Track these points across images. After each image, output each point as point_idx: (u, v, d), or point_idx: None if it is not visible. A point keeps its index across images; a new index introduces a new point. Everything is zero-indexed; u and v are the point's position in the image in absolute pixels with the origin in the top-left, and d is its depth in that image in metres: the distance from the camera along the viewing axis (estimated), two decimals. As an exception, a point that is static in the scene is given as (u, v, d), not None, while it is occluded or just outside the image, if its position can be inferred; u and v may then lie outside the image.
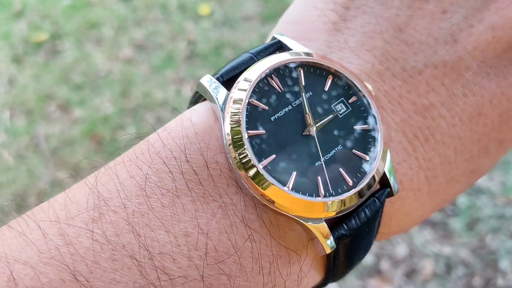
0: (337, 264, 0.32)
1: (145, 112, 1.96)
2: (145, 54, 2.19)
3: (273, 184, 0.27)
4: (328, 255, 0.31)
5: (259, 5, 2.29)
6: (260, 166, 0.28)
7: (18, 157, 1.90)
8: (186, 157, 0.28)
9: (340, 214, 0.29)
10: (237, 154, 0.28)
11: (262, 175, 0.27)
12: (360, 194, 0.29)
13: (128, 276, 0.25)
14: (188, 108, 0.32)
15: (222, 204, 0.28)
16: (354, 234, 0.30)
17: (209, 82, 0.30)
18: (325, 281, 0.33)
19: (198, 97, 0.33)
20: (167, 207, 0.27)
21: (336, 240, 0.29)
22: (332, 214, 0.29)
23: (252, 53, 0.32)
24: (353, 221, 0.30)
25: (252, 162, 0.27)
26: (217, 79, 0.30)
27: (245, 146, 0.28)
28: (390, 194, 0.31)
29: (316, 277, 0.32)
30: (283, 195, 0.28)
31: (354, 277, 1.40)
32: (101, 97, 2.05)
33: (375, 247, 1.45)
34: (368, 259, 1.43)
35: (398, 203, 0.32)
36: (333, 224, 0.30)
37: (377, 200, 0.30)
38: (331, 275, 0.32)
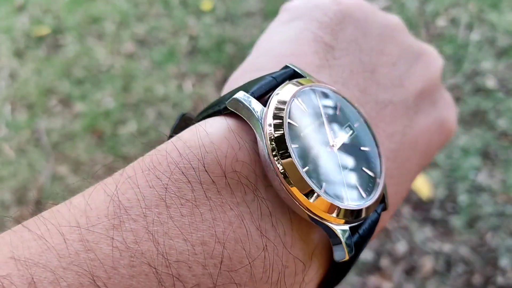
0: (334, 276, 0.33)
1: (146, 107, 1.96)
2: (147, 49, 2.19)
3: (314, 189, 0.29)
4: (329, 267, 0.33)
5: (261, 1, 2.29)
6: (305, 175, 0.29)
7: (19, 151, 1.90)
8: (204, 167, 0.29)
9: (357, 223, 0.32)
10: (282, 166, 0.29)
11: (306, 181, 0.29)
12: (372, 207, 0.32)
13: (144, 283, 0.26)
14: (170, 137, 0.33)
15: (239, 213, 0.29)
16: (361, 243, 0.32)
17: (243, 97, 0.32)
18: None
19: (182, 122, 0.36)
20: (186, 216, 0.28)
21: (354, 246, 0.31)
22: (354, 222, 0.31)
23: (273, 77, 0.34)
24: (362, 231, 0.32)
25: (299, 170, 0.29)
26: (251, 94, 0.32)
27: (291, 155, 0.29)
28: (384, 208, 0.34)
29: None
30: (321, 201, 0.30)
31: (354, 273, 1.40)
32: (103, 92, 2.05)
33: (375, 244, 1.45)
34: (368, 256, 1.43)
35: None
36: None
37: (376, 213, 0.33)
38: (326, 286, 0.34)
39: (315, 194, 0.29)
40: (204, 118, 0.34)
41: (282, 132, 0.30)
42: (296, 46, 0.38)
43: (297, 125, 0.31)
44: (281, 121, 0.30)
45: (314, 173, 0.30)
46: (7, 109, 2.05)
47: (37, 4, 2.48)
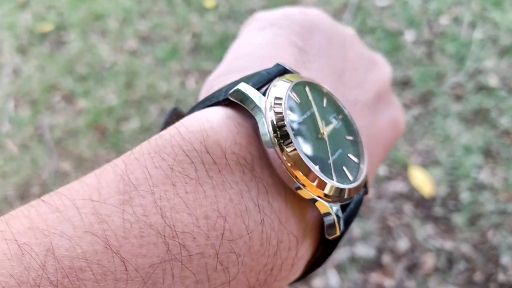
0: (323, 253, 0.36)
1: (149, 104, 1.97)
2: (150, 46, 2.19)
3: (310, 169, 0.32)
4: (318, 245, 0.35)
5: (264, -2, 2.29)
6: (303, 154, 0.32)
7: (22, 147, 1.91)
8: (206, 149, 0.32)
9: (346, 202, 0.35)
10: (284, 146, 0.32)
11: (304, 161, 0.32)
12: (357, 188, 0.36)
13: (153, 251, 0.28)
14: (160, 131, 0.36)
15: (238, 191, 0.31)
16: (348, 221, 0.36)
17: (246, 87, 0.35)
18: (307, 271, 0.37)
19: (173, 116, 0.38)
20: (190, 193, 0.30)
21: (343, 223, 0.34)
22: (344, 201, 0.34)
23: (268, 72, 0.37)
24: (349, 210, 0.36)
25: (297, 151, 0.32)
26: (251, 85, 0.35)
27: (291, 138, 0.32)
28: (365, 192, 0.38)
29: (301, 266, 0.36)
30: (317, 180, 0.32)
31: (356, 270, 1.41)
32: (106, 89, 2.05)
33: (376, 241, 1.46)
34: (370, 252, 1.44)
35: None
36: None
37: (359, 195, 0.37)
38: (313, 266, 0.37)
39: (312, 174, 0.32)
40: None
41: (282, 117, 0.33)
42: (275, 49, 0.42)
43: (292, 113, 0.34)
44: (280, 109, 0.33)
45: (309, 156, 0.33)
46: (11, 105, 2.06)
47: (40, 0, 2.49)
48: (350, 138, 0.37)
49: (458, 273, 1.38)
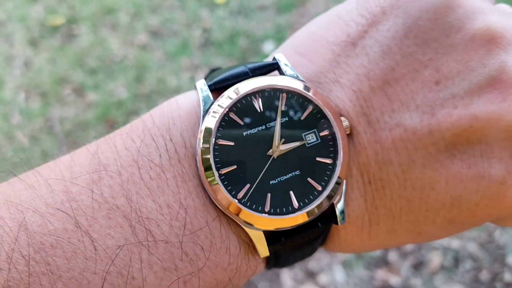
0: (278, 261, 0.36)
1: (158, 98, 1.98)
2: (160, 40, 2.20)
3: (224, 192, 0.32)
4: (268, 257, 0.34)
5: (274, -5, 2.29)
6: (217, 174, 0.32)
7: (33, 138, 1.93)
8: (170, 137, 0.33)
9: (278, 230, 0.33)
10: (202, 159, 0.32)
11: (217, 183, 0.32)
12: (304, 217, 0.33)
13: (121, 233, 0.29)
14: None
15: (196, 184, 0.32)
16: (289, 249, 0.34)
17: (201, 89, 0.34)
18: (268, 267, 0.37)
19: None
20: (154, 180, 0.31)
21: (271, 249, 0.33)
22: (270, 228, 0.33)
23: (249, 68, 0.35)
24: (291, 239, 0.34)
25: (212, 169, 0.32)
26: (209, 86, 0.34)
27: (210, 155, 0.32)
28: (336, 222, 0.34)
29: (262, 267, 0.36)
30: (229, 203, 0.32)
31: (362, 267, 1.41)
32: (116, 82, 2.06)
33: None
34: (376, 249, 1.44)
35: (343, 233, 0.35)
36: (273, 235, 0.33)
37: (320, 224, 0.34)
38: (272, 266, 0.36)
39: (230, 200, 0.32)
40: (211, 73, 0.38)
41: (211, 128, 0.32)
42: (311, 41, 0.38)
43: (241, 123, 0.33)
44: (215, 119, 0.33)
45: (241, 173, 0.32)
46: (21, 97, 2.07)
47: (52, -6, 2.50)
48: (324, 160, 0.34)
49: (464, 271, 1.38)
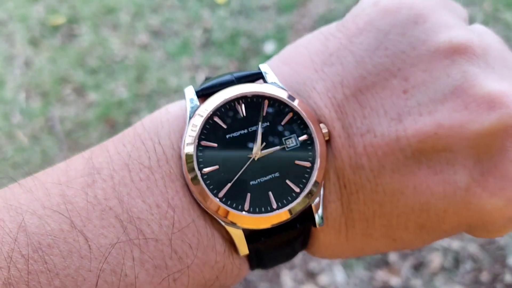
0: (261, 261, 0.37)
1: (159, 98, 1.98)
2: (161, 40, 2.20)
3: (205, 190, 0.33)
4: (249, 255, 0.36)
5: (275, -5, 2.29)
6: (199, 174, 0.34)
7: (33, 138, 1.93)
8: (159, 139, 0.35)
9: (258, 230, 0.35)
10: (186, 158, 0.34)
11: (200, 181, 0.33)
12: (282, 216, 0.34)
13: (113, 233, 0.31)
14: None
15: (183, 184, 0.34)
16: (269, 249, 0.36)
17: (189, 94, 0.36)
18: (252, 268, 0.38)
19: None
20: (144, 181, 0.33)
21: (251, 247, 0.35)
22: (249, 226, 0.34)
23: (235, 77, 0.37)
24: (271, 238, 0.35)
25: (195, 170, 0.34)
26: (197, 92, 0.36)
27: (193, 155, 0.34)
28: (314, 224, 0.35)
29: (247, 266, 0.37)
30: (211, 201, 0.33)
31: (362, 268, 1.41)
32: (116, 82, 2.06)
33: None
34: (377, 250, 1.44)
35: (322, 235, 0.37)
36: (253, 234, 0.35)
37: (298, 225, 0.35)
38: (256, 266, 0.38)
39: (211, 198, 0.33)
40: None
41: (195, 132, 0.34)
42: (295, 53, 0.40)
43: (225, 126, 0.35)
44: (199, 122, 0.34)
45: (223, 173, 0.34)
46: (22, 96, 2.07)
47: (53, -7, 2.50)
48: (302, 163, 0.35)
49: (464, 272, 1.38)
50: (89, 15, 2.36)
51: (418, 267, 1.41)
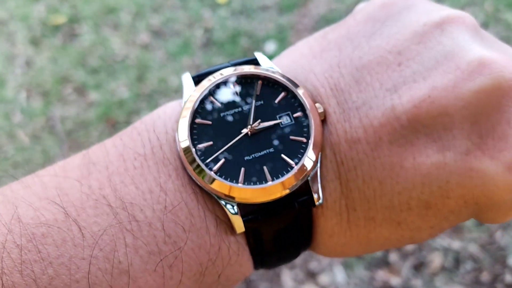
0: (261, 248, 0.36)
1: (160, 98, 1.98)
2: (162, 40, 2.20)
3: (201, 166, 0.34)
4: (247, 237, 0.35)
5: (276, -5, 2.29)
6: (193, 150, 0.34)
7: (34, 137, 1.93)
8: (154, 128, 0.36)
9: (252, 203, 0.34)
10: (179, 136, 0.34)
11: (194, 157, 0.34)
12: (277, 188, 0.34)
13: (106, 220, 0.32)
14: None
15: (177, 166, 0.35)
16: (266, 227, 0.35)
17: (185, 79, 0.38)
18: (255, 264, 0.37)
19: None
20: (138, 168, 0.34)
21: (247, 225, 0.34)
22: (244, 200, 0.34)
23: (231, 63, 0.39)
24: (269, 218, 0.35)
25: (189, 146, 0.34)
26: (193, 78, 0.38)
27: (187, 134, 0.34)
28: (313, 203, 0.35)
29: (247, 256, 0.37)
30: (204, 174, 0.34)
31: (362, 267, 1.41)
32: (117, 82, 2.06)
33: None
34: (377, 250, 1.44)
35: (322, 221, 0.36)
36: (249, 212, 0.35)
37: (296, 204, 0.35)
38: (258, 260, 0.37)
39: (205, 172, 0.34)
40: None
41: (191, 107, 0.35)
42: (295, 50, 0.42)
43: (219, 104, 0.36)
44: (193, 101, 0.36)
45: (217, 149, 0.35)
46: (23, 96, 2.08)
47: (54, -7, 2.50)
48: (298, 138, 0.36)
49: (465, 272, 1.38)
50: (90, 15, 2.36)
51: (418, 267, 1.41)
